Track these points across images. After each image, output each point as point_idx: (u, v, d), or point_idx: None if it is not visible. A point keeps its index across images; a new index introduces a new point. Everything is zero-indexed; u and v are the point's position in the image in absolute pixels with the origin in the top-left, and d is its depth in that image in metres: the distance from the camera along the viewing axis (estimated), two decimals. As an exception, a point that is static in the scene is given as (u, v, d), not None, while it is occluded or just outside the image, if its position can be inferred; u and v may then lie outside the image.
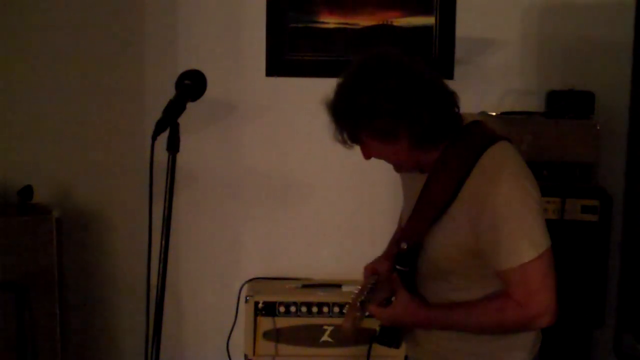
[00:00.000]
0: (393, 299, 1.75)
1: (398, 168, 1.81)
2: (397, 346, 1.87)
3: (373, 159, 1.78)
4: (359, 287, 1.80)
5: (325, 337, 2.86)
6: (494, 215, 1.62)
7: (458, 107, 1.74)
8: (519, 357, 1.80)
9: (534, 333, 1.80)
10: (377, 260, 1.96)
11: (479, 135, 1.73)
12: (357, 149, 1.76)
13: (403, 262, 1.79)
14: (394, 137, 1.67)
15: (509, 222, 1.62)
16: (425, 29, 3.06)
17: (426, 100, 1.64)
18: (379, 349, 1.91)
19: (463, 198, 1.66)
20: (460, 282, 1.75)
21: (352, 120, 1.68)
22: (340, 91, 1.69)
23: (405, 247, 1.77)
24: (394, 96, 1.62)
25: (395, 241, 1.94)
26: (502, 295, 1.69)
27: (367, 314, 1.76)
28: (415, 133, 1.66)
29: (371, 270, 1.91)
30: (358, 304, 1.72)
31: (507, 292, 1.67)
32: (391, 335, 1.85)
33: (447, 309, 1.75)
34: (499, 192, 1.63)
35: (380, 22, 3.05)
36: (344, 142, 1.73)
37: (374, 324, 1.87)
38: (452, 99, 1.72)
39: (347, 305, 1.77)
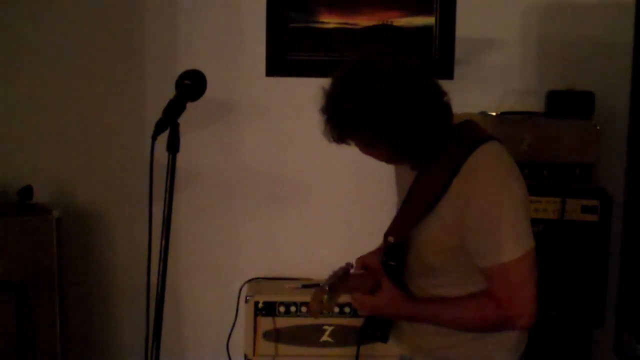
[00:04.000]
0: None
1: (390, 161, 1.81)
2: (384, 340, 1.88)
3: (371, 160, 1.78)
4: (332, 271, 1.79)
5: (325, 337, 2.86)
6: (478, 213, 1.64)
7: (450, 110, 1.74)
8: (502, 355, 1.80)
9: (518, 332, 1.80)
10: (369, 254, 1.96)
11: (470, 135, 1.75)
12: (357, 149, 1.76)
13: (392, 256, 1.80)
14: (377, 146, 1.68)
15: (493, 220, 1.63)
16: (425, 29, 3.06)
17: (413, 114, 1.62)
18: (376, 349, 1.91)
19: (450, 195, 1.68)
20: (446, 279, 1.76)
21: (337, 124, 1.67)
22: (328, 94, 1.67)
23: (392, 240, 1.78)
24: (380, 107, 1.60)
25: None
26: (483, 293, 1.70)
27: (337, 295, 1.70)
28: (397, 147, 1.67)
29: (362, 263, 1.91)
30: (326, 287, 1.70)
31: (488, 290, 1.69)
32: (376, 326, 1.85)
33: (428, 302, 1.77)
34: (485, 190, 1.64)
35: (380, 22, 3.05)
36: (333, 141, 1.73)
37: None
38: (445, 105, 1.72)
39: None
